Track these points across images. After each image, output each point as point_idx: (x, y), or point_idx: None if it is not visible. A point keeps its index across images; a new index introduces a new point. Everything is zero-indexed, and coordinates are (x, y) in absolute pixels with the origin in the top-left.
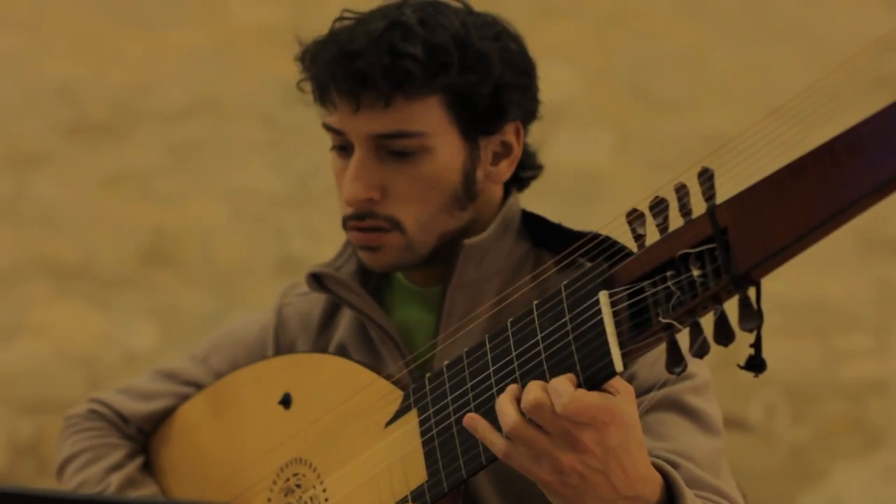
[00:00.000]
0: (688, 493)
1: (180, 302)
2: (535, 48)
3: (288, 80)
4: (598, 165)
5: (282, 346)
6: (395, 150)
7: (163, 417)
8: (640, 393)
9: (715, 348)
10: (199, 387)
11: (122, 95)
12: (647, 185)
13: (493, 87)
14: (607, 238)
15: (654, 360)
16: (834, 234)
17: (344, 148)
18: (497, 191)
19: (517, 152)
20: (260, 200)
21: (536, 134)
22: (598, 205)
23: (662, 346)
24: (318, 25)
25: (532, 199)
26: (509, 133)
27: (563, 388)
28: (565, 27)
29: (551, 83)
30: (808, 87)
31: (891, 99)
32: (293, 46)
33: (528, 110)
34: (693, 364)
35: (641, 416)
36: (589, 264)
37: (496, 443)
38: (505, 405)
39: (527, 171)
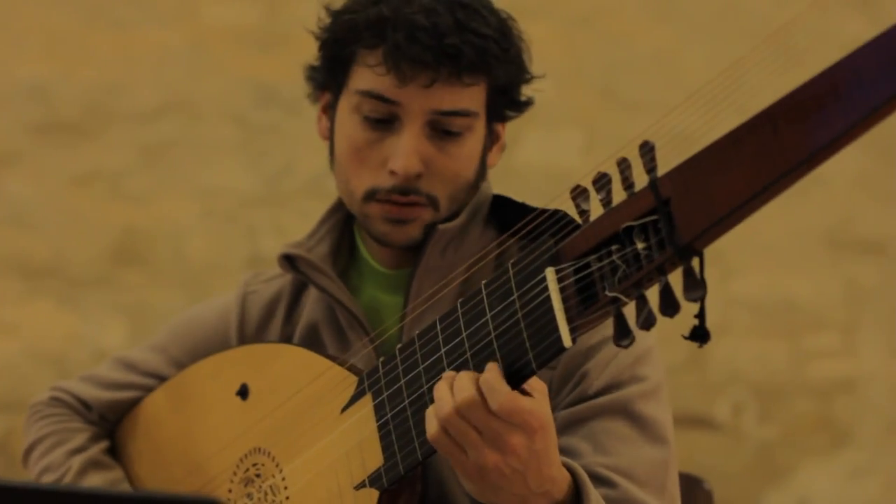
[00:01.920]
0: (593, 492)
1: (151, 301)
2: None
3: (260, 81)
4: (567, 165)
5: (246, 336)
6: (447, 128)
7: (126, 408)
8: (591, 394)
9: (682, 346)
10: (159, 377)
11: (93, 95)
12: (616, 185)
13: (523, 80)
14: (563, 214)
15: (608, 360)
16: (803, 234)
17: (380, 120)
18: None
19: (503, 141)
20: (231, 200)
21: (506, 133)
22: (567, 205)
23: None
24: (290, 26)
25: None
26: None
27: (498, 386)
28: (535, 28)
29: None
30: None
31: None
32: (265, 46)
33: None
34: (646, 366)
35: (587, 420)
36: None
37: (430, 425)
38: (441, 391)
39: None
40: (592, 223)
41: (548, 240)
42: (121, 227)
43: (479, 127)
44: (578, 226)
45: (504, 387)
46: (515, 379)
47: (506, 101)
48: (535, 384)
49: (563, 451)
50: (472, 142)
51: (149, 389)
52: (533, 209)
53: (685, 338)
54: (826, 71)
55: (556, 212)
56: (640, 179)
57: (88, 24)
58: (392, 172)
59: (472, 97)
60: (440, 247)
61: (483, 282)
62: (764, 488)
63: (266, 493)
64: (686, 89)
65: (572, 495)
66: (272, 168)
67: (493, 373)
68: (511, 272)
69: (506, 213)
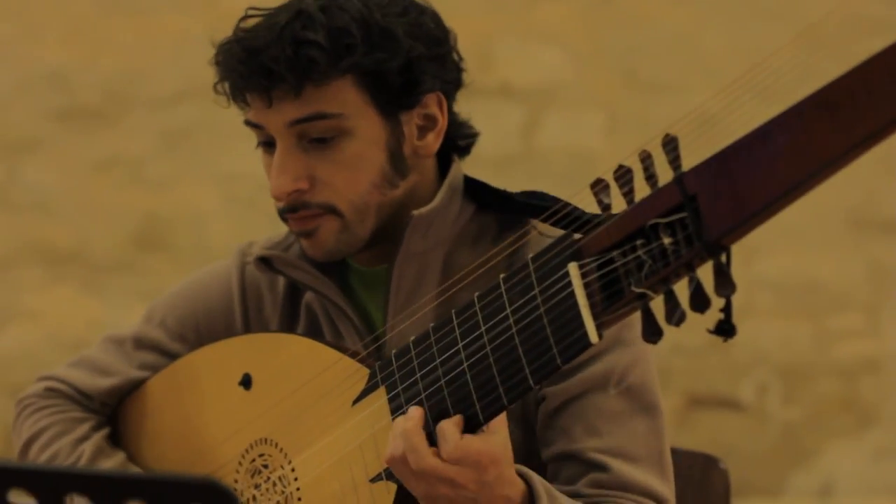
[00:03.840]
0: (544, 496)
1: (173, 286)
2: (526, 30)
3: None
4: (589, 147)
5: (249, 308)
6: (315, 136)
7: (126, 392)
8: (579, 363)
9: (704, 328)
10: (158, 350)
11: (113, 81)
12: (637, 167)
13: (403, 62)
14: (574, 208)
15: None
16: (826, 214)
17: (269, 143)
18: (430, 163)
19: (442, 123)
20: (252, 185)
21: (527, 116)
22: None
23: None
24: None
25: (524, 183)
26: (431, 105)
27: (449, 435)
28: (555, 9)
29: (542, 65)
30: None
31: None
32: None
33: (447, 80)
34: (630, 330)
35: (578, 397)
36: (537, 226)
37: (389, 447)
38: (395, 434)
39: (464, 139)
40: (616, 218)
41: (570, 235)
42: (142, 212)
43: (361, 124)
44: (591, 218)
45: (455, 434)
46: (540, 373)
47: (390, 88)
48: (494, 422)
49: (559, 432)
50: (355, 142)
51: (148, 367)
52: (502, 191)
53: (710, 332)
54: (859, 67)
55: (570, 206)
56: (664, 175)
57: (108, 11)
58: None
59: (328, 99)
60: (420, 231)
61: (501, 276)
62: (788, 469)
63: (275, 484)
64: (707, 71)
65: (527, 498)
66: None
67: (446, 423)
68: (532, 267)
69: (482, 191)
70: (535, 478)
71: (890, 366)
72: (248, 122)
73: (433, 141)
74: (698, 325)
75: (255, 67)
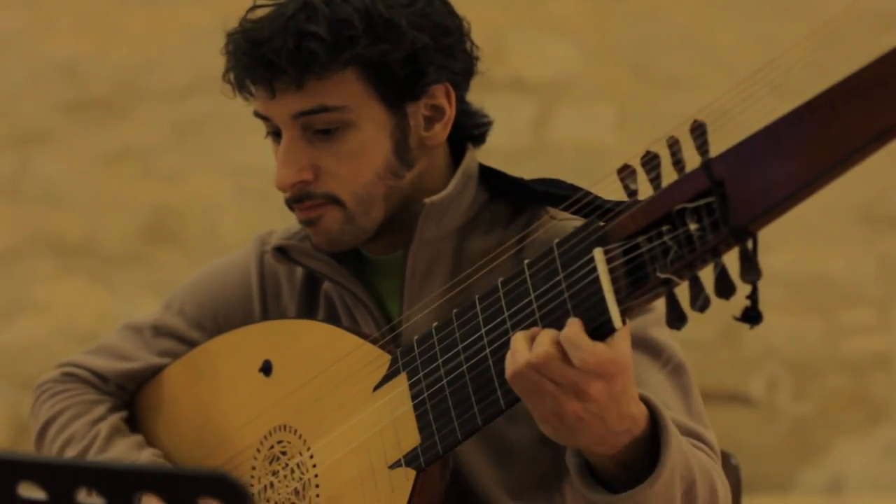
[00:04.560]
0: (673, 428)
1: (183, 278)
2: (537, 24)
3: None
4: (600, 141)
5: (268, 296)
6: (319, 128)
7: (143, 377)
8: None
9: (716, 323)
10: (177, 337)
11: (124, 73)
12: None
13: (407, 53)
14: (593, 196)
15: None
16: (837, 209)
17: (278, 133)
18: (440, 153)
19: (450, 114)
20: (263, 177)
21: (539, 109)
22: (595, 181)
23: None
24: None
25: (534, 176)
26: (439, 96)
27: (579, 341)
28: (567, 3)
29: (553, 59)
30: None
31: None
32: None
33: (454, 70)
34: None
35: None
36: (554, 213)
37: (508, 364)
38: (518, 343)
39: (476, 127)
40: (643, 203)
41: (595, 220)
42: (153, 205)
43: (365, 115)
44: (613, 206)
45: (586, 342)
46: None
47: (394, 80)
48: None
49: None
50: (359, 133)
51: (166, 354)
52: (519, 179)
53: (736, 319)
54: (888, 53)
55: (588, 193)
56: (691, 162)
57: (119, 3)
58: None
59: (331, 91)
60: (434, 219)
61: (526, 261)
62: (798, 465)
63: (293, 471)
64: (718, 65)
65: (649, 429)
66: None
67: (574, 328)
68: (556, 252)
69: (497, 179)
70: (657, 404)
71: None
72: (256, 113)
73: (440, 131)
74: (709, 319)
75: (258, 59)
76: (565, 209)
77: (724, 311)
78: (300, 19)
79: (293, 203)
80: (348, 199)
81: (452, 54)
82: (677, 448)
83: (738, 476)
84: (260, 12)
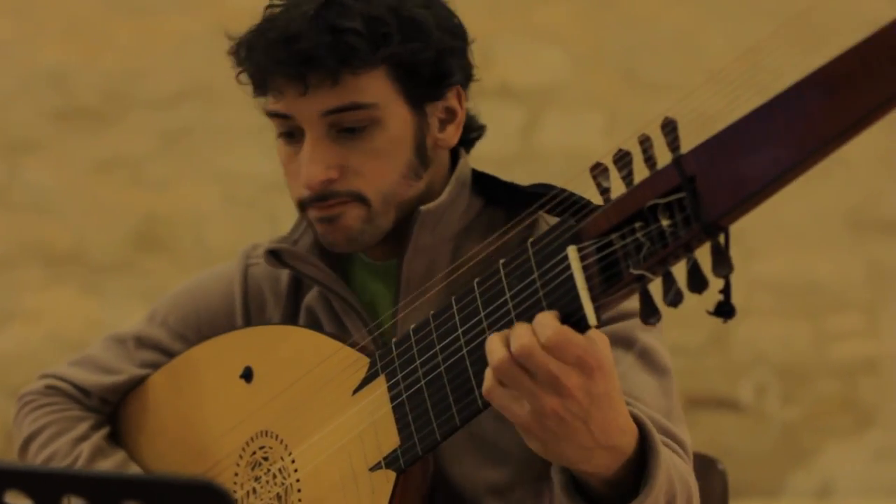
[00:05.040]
0: (661, 448)
1: (172, 287)
2: (526, 30)
3: None
4: (588, 147)
5: (251, 309)
6: (346, 126)
7: (126, 390)
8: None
9: (704, 328)
10: (160, 349)
11: (113, 81)
12: (637, 167)
13: (434, 53)
14: (570, 193)
15: None
16: (825, 214)
17: (291, 134)
18: (445, 156)
19: (461, 116)
20: (251, 185)
21: (527, 116)
22: (588, 187)
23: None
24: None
25: (522, 182)
26: (452, 98)
27: (547, 321)
28: (556, 9)
29: (542, 65)
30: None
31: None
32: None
33: (466, 74)
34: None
35: None
36: (544, 217)
37: (486, 379)
38: (493, 343)
39: (472, 132)
40: (615, 201)
41: (568, 218)
42: (142, 213)
43: (391, 114)
44: (589, 204)
45: (554, 322)
46: None
47: (420, 80)
48: (596, 334)
49: None
50: (385, 132)
51: (149, 365)
52: (510, 183)
53: (710, 313)
54: (857, 45)
55: (566, 192)
56: (663, 157)
57: (109, 11)
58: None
59: (363, 89)
60: (429, 227)
61: (501, 261)
62: (787, 470)
63: (275, 476)
64: (707, 70)
65: (638, 448)
66: None
67: (544, 314)
68: (531, 251)
69: (490, 185)
70: (647, 421)
71: (889, 366)
72: (271, 113)
73: (453, 134)
74: (698, 325)
75: (292, 53)
76: (552, 209)
77: (713, 318)
78: (332, 15)
79: (315, 201)
80: (374, 198)
81: (465, 57)
82: (665, 469)
83: (725, 482)
84: (275, 12)
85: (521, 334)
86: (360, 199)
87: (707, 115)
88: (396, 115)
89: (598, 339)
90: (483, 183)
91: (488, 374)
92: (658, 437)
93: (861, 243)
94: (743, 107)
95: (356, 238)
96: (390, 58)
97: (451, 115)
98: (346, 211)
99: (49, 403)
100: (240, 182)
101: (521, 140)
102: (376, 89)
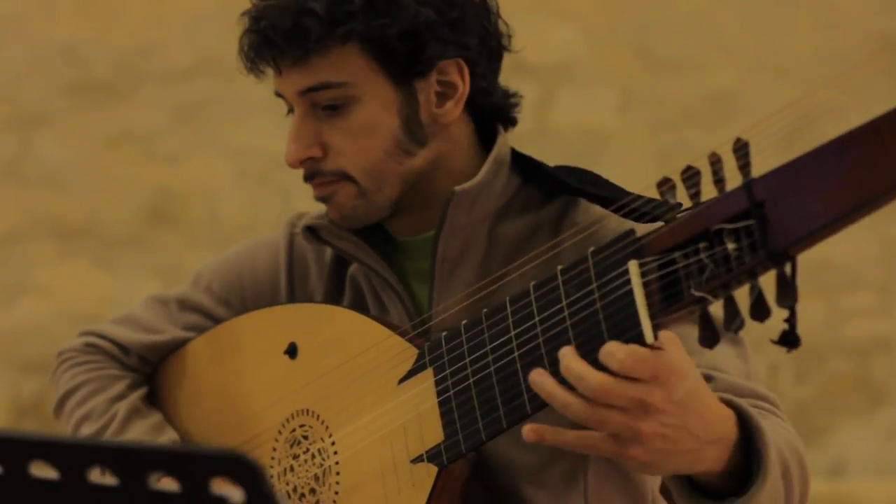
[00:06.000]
0: (762, 423)
1: (185, 261)
2: (540, 7)
3: None
4: (602, 125)
5: (295, 278)
6: (325, 104)
7: (166, 350)
8: None
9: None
10: (203, 312)
11: (125, 56)
12: (651, 145)
13: (408, 28)
14: (649, 199)
15: None
16: None
17: (293, 111)
18: (459, 132)
19: (463, 90)
20: (264, 160)
21: (540, 93)
22: (602, 164)
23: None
24: None
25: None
26: (451, 72)
27: (612, 349)
28: None
29: (556, 42)
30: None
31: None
32: None
33: (466, 45)
34: None
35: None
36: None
37: (569, 441)
38: (569, 401)
39: (506, 109)
40: (681, 219)
41: (631, 231)
42: (154, 187)
43: (369, 92)
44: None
45: (617, 346)
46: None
47: (397, 56)
48: (664, 337)
49: None
50: (363, 109)
51: (192, 328)
52: (553, 175)
53: (774, 342)
54: None
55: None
56: (731, 178)
57: None
58: None
59: (334, 68)
60: (464, 207)
61: (559, 267)
62: None
63: (314, 456)
64: (721, 49)
65: (740, 431)
66: None
67: (611, 343)
68: (591, 261)
69: (530, 165)
70: (740, 402)
71: None
72: (276, 92)
73: (452, 108)
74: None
75: (262, 38)
76: (616, 210)
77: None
78: None
79: (306, 180)
80: (358, 175)
81: (463, 29)
82: (773, 445)
83: None
84: None
85: (585, 375)
86: (346, 177)
87: (786, 136)
88: (376, 93)
89: (667, 340)
90: (521, 163)
91: (575, 436)
92: (754, 413)
93: (874, 223)
94: (821, 134)
95: (350, 215)
96: (353, 35)
97: (450, 89)
98: (338, 190)
99: (87, 361)
100: (252, 157)
101: (534, 116)
102: (348, 68)
